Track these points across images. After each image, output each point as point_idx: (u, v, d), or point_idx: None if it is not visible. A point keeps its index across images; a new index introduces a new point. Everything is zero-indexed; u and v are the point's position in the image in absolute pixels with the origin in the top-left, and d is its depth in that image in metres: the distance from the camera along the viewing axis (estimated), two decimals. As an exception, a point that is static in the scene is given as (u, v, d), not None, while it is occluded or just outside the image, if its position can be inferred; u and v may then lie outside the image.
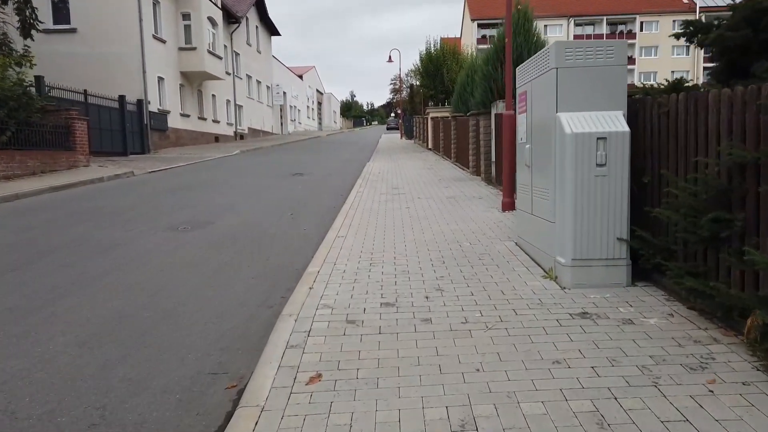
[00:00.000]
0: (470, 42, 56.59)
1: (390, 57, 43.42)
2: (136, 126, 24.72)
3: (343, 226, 7.86)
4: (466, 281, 4.97)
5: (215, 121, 34.96)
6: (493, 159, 12.01)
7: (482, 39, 63.55)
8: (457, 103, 21.54)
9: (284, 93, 52.28)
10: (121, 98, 23.39)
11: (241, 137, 39.86)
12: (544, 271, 5.15)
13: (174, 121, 28.75)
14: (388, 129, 71.46)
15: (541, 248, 5.31)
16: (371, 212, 9.08)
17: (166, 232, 8.06)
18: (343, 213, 9.10)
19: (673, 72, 73.98)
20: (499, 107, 11.56)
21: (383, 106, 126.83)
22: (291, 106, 58.26)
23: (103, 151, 22.08)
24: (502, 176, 8.66)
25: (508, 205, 8.51)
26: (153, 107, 26.27)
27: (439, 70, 29.43)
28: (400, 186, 12.68)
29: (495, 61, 15.03)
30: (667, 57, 72.93)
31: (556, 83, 4.77)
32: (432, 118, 26.40)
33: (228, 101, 37.61)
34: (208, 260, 6.44)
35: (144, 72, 25.38)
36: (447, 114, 24.05)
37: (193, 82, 31.23)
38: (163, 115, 27.33)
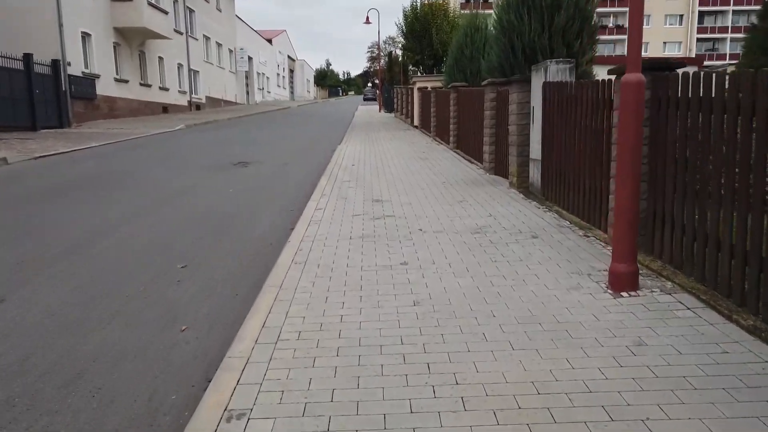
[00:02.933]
0: (454, 6, 51.52)
1: (368, 18, 38.16)
2: (51, 93, 19.64)
3: (260, 345, 3.34)
4: None
5: (163, 89, 29.69)
6: (535, 156, 7.50)
7: (466, 3, 58.40)
8: (451, 71, 17.27)
9: (250, 58, 46.78)
10: (27, 57, 18.26)
11: (198, 107, 34.61)
12: None
13: (106, 88, 23.59)
14: (365, 100, 66.28)
15: None
16: (331, 284, 4.54)
17: None
18: (277, 277, 4.53)
19: (665, 43, 70.40)
20: (550, 71, 7.00)
21: (360, 76, 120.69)
22: (258, 73, 52.64)
23: (-1, 125, 17.09)
24: (615, 221, 3.97)
25: (627, 281, 3.87)
26: (76, 70, 21.18)
27: (427, 31, 24.48)
28: (384, 195, 8.09)
29: (520, 6, 10.46)
30: (659, 27, 69.26)
31: None
32: (420, 89, 21.62)
33: (180, 65, 32.28)
34: None
35: (61, 26, 20.19)
36: (439, 83, 19.40)
37: (132, 41, 25.91)
38: (89, 80, 22.19)
